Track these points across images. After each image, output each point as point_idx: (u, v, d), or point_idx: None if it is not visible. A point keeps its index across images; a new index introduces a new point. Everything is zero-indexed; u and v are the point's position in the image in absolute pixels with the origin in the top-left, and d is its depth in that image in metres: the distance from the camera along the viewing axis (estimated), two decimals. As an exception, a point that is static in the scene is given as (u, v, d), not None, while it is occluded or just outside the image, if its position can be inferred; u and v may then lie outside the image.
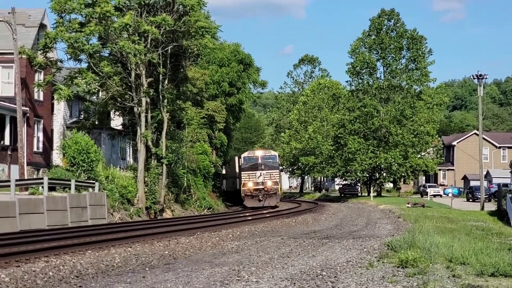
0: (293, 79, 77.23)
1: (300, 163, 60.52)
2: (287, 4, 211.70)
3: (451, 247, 10.09)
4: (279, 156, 44.63)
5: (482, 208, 33.63)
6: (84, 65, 24.46)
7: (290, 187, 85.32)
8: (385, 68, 48.89)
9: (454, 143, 64.37)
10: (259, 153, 36.78)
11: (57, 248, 9.81)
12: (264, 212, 28.28)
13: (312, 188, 78.22)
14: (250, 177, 33.40)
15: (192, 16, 23.05)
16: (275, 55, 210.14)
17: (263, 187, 32.97)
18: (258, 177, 33.11)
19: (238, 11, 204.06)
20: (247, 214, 26.72)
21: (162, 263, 9.35)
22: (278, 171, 37.11)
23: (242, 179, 34.45)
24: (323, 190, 70.67)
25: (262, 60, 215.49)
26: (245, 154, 37.02)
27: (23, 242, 10.46)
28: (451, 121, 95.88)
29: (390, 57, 48.10)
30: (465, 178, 59.24)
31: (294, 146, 59.30)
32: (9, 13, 22.74)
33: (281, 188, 41.34)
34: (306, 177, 72.62)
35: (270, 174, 33.92)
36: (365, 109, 45.99)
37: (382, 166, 47.05)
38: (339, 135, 49.12)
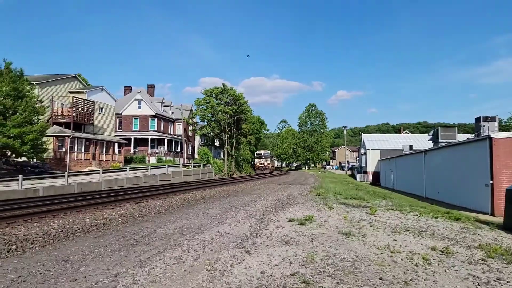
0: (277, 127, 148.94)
1: (280, 156, 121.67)
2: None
3: (335, 188, 25.46)
4: (271, 152, 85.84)
5: (346, 173, 71.60)
6: (204, 122, 65.79)
7: (279, 166, 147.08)
8: (311, 125, 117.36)
9: (336, 150, 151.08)
10: (262, 151, 74.92)
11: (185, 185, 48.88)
12: (268, 174, 65.23)
13: (286, 166, 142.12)
14: (258, 161, 71.15)
15: (244, 104, 63.07)
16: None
17: (263, 165, 70.21)
18: (261, 161, 70.76)
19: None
20: (261, 176, 61.97)
21: (233, 194, 24.02)
22: (270, 158, 73.80)
23: (255, 162, 73.65)
24: (289, 167, 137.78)
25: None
26: (257, 152, 77.27)
27: (169, 187, 49.95)
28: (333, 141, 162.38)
29: (312, 122, 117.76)
30: (340, 163, 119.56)
31: (279, 151, 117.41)
32: (181, 104, 65.02)
33: (273, 166, 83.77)
34: (283, 162, 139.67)
35: (266, 160, 70.99)
36: (303, 138, 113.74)
37: (310, 158, 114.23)
38: (293, 147, 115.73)
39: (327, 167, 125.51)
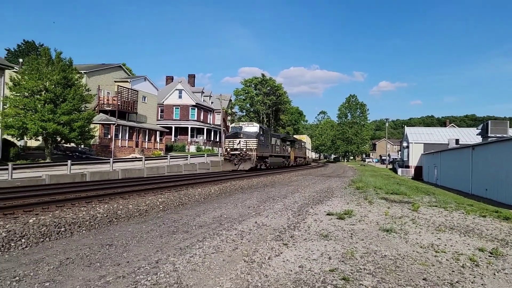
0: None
1: (318, 148, 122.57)
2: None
3: (375, 182, 23.53)
4: (265, 127, 40.12)
5: (386, 167, 68.89)
6: (243, 113, 66.06)
7: (317, 158, 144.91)
8: (351, 116, 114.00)
9: (376, 142, 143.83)
10: (241, 123, 35.14)
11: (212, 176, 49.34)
12: (304, 167, 61.93)
13: (324, 158, 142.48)
14: (229, 143, 31.97)
15: (282, 94, 62.54)
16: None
17: (240, 151, 31.23)
18: (235, 144, 31.51)
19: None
20: (299, 168, 61.74)
21: (270, 185, 23.79)
22: (256, 139, 31.74)
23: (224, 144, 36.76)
24: (327, 159, 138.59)
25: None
26: (232, 125, 36.35)
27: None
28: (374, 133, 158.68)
29: (352, 113, 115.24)
30: (380, 156, 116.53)
31: (317, 143, 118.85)
32: (220, 94, 65.70)
33: (308, 157, 64.26)
34: (321, 154, 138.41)
35: (248, 141, 31.38)
36: (343, 130, 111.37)
37: (349, 150, 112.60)
38: (332, 139, 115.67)
39: (367, 160, 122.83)
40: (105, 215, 9.97)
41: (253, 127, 33.03)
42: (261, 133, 33.50)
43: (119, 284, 5.18)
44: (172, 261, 6.22)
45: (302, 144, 57.17)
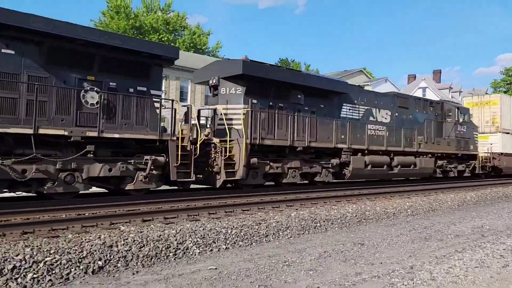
0: None
1: None
2: None
3: None
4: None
5: None
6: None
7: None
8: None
9: None
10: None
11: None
12: None
13: None
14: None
15: None
16: None
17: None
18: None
19: None
20: None
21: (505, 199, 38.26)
22: None
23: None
24: None
25: None
26: None
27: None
28: None
29: None
30: None
31: None
32: (473, 89, 57.60)
33: None
34: None
35: None
36: None
37: None
38: None
39: None
40: (354, 215, 10.37)
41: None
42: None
43: (375, 283, 5.27)
44: (429, 269, 5.87)
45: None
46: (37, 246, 5.64)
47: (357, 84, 22.05)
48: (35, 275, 4.99)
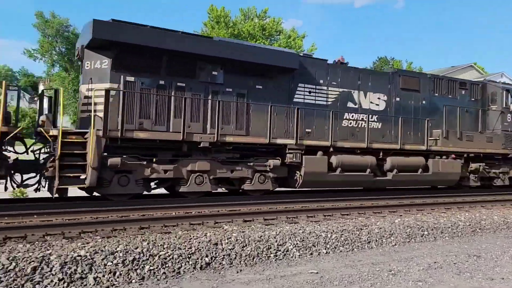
0: None
1: None
2: None
3: None
4: None
5: None
6: None
7: None
8: None
9: None
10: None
11: None
12: None
13: None
14: None
15: None
16: None
17: None
18: None
19: None
20: None
21: None
22: None
23: None
24: None
25: None
26: None
27: None
28: None
29: None
30: None
31: None
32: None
33: None
34: None
35: None
36: None
37: None
38: None
39: None
40: (467, 224, 9.44)
41: None
42: None
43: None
44: None
45: None
46: (152, 241, 6.18)
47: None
48: (151, 267, 5.47)
